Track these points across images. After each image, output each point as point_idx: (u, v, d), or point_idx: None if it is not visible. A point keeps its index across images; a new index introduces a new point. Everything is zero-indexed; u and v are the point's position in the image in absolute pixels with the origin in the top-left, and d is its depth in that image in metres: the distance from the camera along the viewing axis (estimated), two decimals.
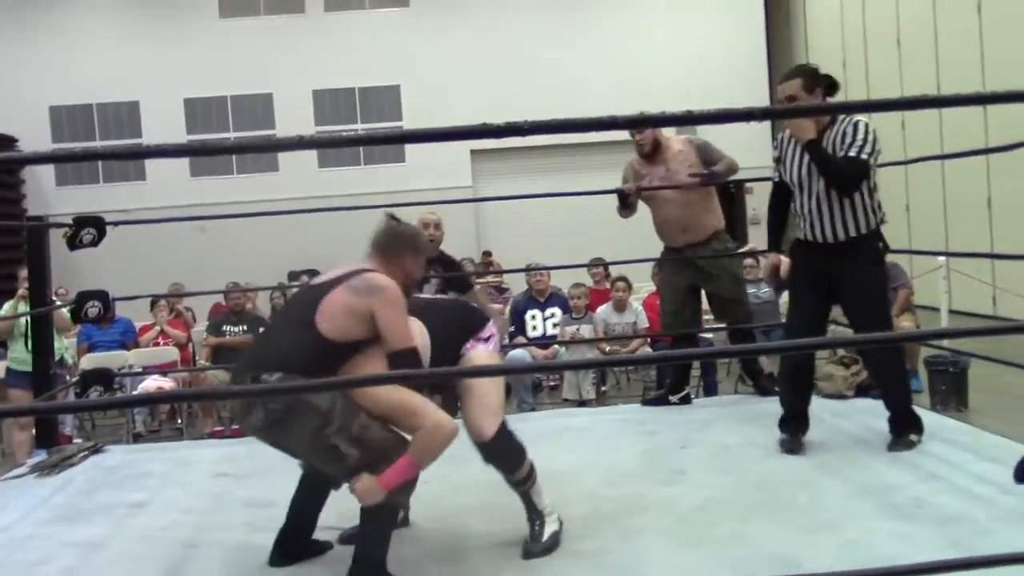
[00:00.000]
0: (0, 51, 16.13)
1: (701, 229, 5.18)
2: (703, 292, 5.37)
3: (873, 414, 4.38)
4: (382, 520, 2.81)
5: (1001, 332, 1.85)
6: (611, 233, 13.82)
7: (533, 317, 7.77)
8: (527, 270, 8.06)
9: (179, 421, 7.97)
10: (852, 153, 3.85)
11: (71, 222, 4.72)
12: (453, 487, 3.67)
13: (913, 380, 7.07)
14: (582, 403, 7.12)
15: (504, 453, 3.08)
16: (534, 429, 4.63)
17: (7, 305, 6.87)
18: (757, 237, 5.53)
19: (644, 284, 9.28)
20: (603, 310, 7.60)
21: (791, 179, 4.11)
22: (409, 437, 2.81)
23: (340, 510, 3.13)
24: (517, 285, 11.01)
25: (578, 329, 7.44)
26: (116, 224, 4.92)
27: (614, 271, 8.57)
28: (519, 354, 7.29)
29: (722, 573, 2.84)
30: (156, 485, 4.10)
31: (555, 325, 7.72)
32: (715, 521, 3.23)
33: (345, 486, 2.83)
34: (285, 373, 2.74)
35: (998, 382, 6.89)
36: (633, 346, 7.39)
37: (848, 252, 3.99)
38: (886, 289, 4.17)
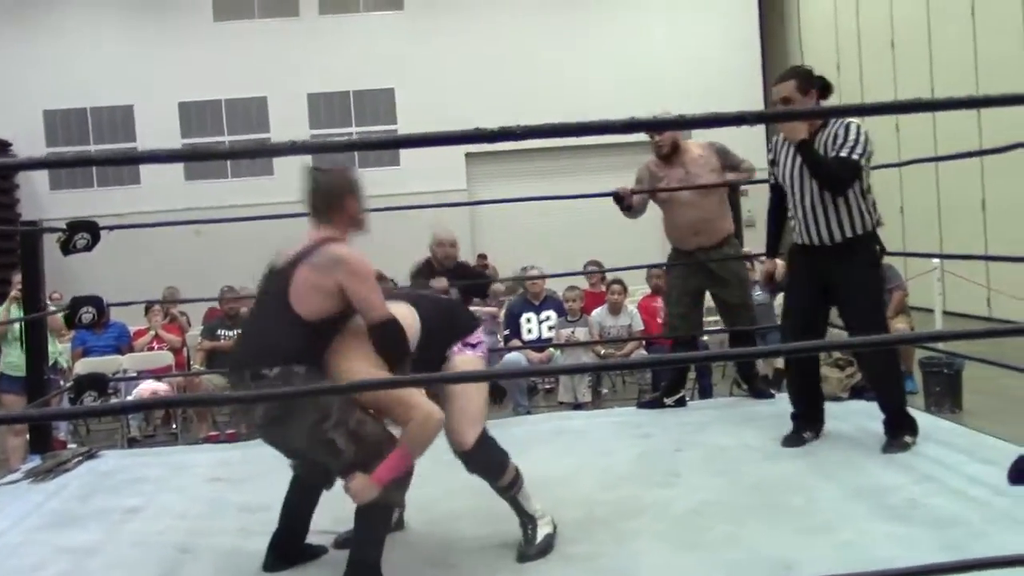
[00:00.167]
0: None
1: (714, 233, 5.20)
2: (707, 297, 5.38)
3: (868, 416, 4.39)
4: (376, 522, 2.80)
5: (995, 334, 1.85)
6: (606, 236, 13.93)
7: (528, 320, 7.76)
8: (525, 278, 8.05)
9: (174, 426, 7.96)
10: (843, 154, 3.87)
11: (65, 227, 4.71)
12: (447, 490, 3.66)
13: (908, 382, 7.08)
14: (577, 406, 7.12)
15: (485, 461, 3.08)
16: (529, 432, 4.65)
17: None
18: (752, 240, 5.53)
19: (639, 287, 9.29)
20: (598, 313, 7.60)
21: (785, 181, 4.13)
22: (398, 433, 2.81)
23: (335, 514, 3.13)
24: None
25: (573, 332, 7.44)
26: (111, 228, 4.92)
27: (609, 274, 8.58)
28: (514, 357, 7.29)
29: None
30: (151, 490, 4.08)
31: (550, 328, 7.72)
32: (710, 524, 3.23)
33: (338, 486, 2.83)
34: (284, 365, 2.73)
35: (992, 384, 6.90)
36: (628, 349, 7.39)
37: (844, 254, 4.00)
38: (882, 292, 4.19)
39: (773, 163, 4.27)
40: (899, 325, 7.33)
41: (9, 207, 15.70)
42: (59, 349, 7.27)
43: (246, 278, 11.56)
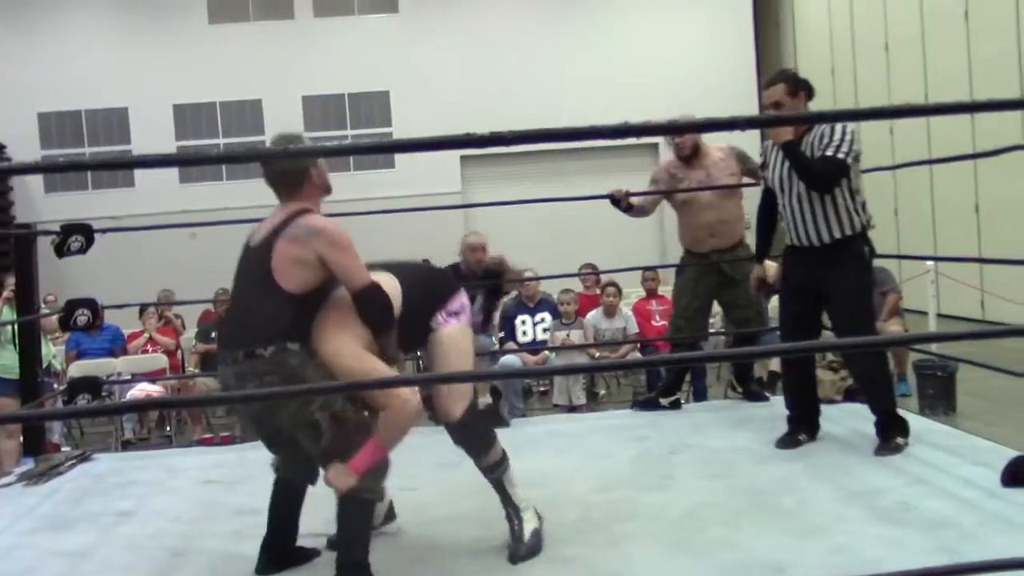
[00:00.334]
0: None
1: (730, 235, 5.23)
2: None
3: (861, 418, 4.40)
4: (358, 518, 2.80)
5: (989, 336, 1.85)
6: (601, 238, 13.96)
7: (523, 322, 7.76)
8: (522, 280, 8.03)
9: (168, 428, 7.93)
10: (829, 153, 3.89)
11: (59, 230, 4.71)
12: (441, 492, 3.67)
13: (901, 384, 7.11)
14: (572, 408, 7.12)
15: (472, 434, 3.09)
16: (524, 435, 4.65)
17: None
18: (753, 241, 5.61)
19: (634, 290, 9.29)
20: (593, 315, 7.60)
21: (774, 183, 4.16)
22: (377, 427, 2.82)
23: (326, 516, 3.12)
24: None
25: (568, 335, 7.44)
26: (105, 231, 4.92)
27: (604, 276, 8.58)
28: (509, 359, 7.29)
29: None
30: (144, 493, 4.08)
31: (545, 330, 7.72)
32: (704, 527, 3.24)
33: (324, 484, 2.83)
34: (278, 344, 2.74)
35: (986, 386, 6.92)
36: (623, 352, 7.39)
37: (833, 255, 4.02)
38: (870, 294, 4.19)
39: (764, 166, 4.30)
40: (893, 327, 7.35)
41: (3, 210, 15.66)
42: (53, 351, 7.25)
43: None
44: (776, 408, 4.69)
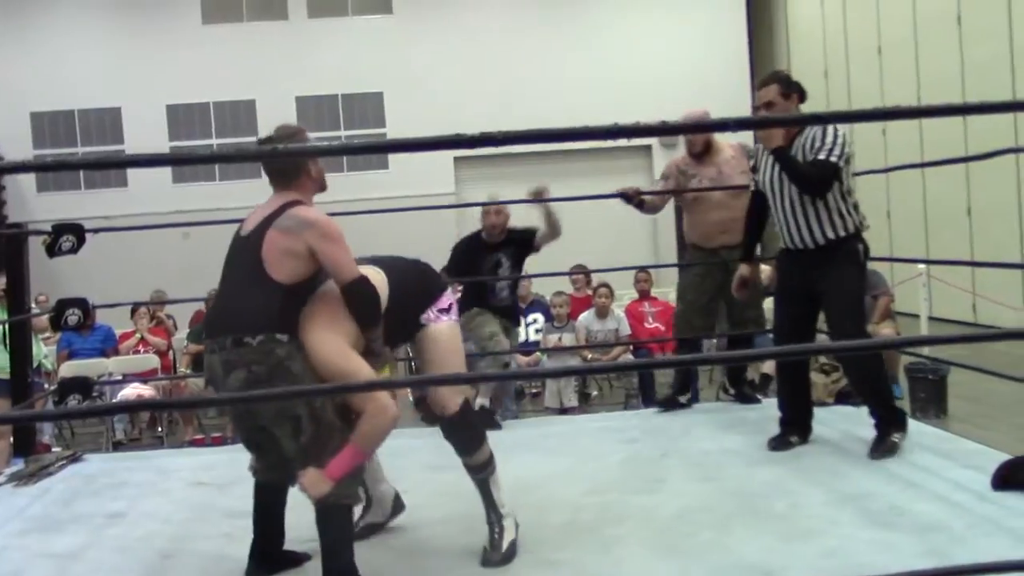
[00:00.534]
0: None
1: (739, 232, 5.22)
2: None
3: (853, 421, 4.41)
4: (338, 523, 2.80)
5: (980, 339, 1.86)
6: (594, 240, 13.94)
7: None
8: (518, 278, 8.00)
9: (159, 429, 7.91)
10: (820, 156, 3.90)
11: (50, 229, 4.69)
12: (431, 494, 3.67)
13: (894, 388, 7.11)
14: (564, 411, 7.12)
15: (464, 431, 3.09)
16: (516, 437, 4.64)
17: None
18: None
19: (626, 291, 9.29)
20: (585, 317, 7.60)
21: (765, 186, 4.16)
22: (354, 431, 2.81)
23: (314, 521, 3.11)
24: None
25: (560, 338, 7.43)
26: (97, 231, 4.91)
27: (596, 277, 8.55)
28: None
29: None
30: (135, 494, 4.06)
31: (537, 331, 7.72)
32: (695, 530, 3.23)
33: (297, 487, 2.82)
34: (267, 334, 2.73)
35: (977, 389, 6.94)
36: (615, 354, 7.39)
37: (826, 256, 4.02)
38: (862, 292, 4.19)
39: (755, 169, 4.31)
40: (885, 330, 7.36)
41: None
42: (43, 352, 7.23)
43: None
44: (768, 411, 4.69)
